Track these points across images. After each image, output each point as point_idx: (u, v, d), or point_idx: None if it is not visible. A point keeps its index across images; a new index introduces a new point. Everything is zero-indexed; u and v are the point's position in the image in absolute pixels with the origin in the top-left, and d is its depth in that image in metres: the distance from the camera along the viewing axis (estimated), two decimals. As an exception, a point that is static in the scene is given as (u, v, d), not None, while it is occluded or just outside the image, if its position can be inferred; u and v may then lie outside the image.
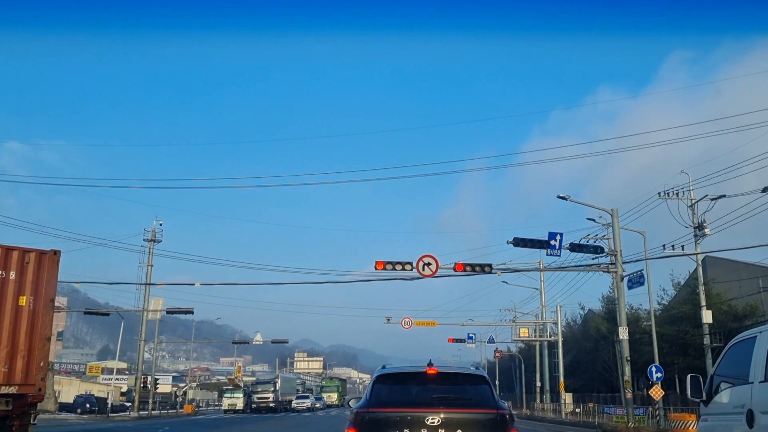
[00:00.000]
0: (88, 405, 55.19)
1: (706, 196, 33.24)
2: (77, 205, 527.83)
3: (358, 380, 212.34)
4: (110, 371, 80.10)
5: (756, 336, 7.53)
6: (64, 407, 52.75)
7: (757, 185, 29.73)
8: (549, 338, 55.40)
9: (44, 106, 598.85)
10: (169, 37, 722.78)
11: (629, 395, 29.76)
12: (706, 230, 33.49)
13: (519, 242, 28.75)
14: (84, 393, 62.01)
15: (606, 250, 30.64)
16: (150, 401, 59.37)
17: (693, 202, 34.53)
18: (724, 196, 32.34)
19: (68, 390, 65.40)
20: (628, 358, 29.59)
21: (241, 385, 68.46)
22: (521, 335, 56.30)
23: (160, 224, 50.62)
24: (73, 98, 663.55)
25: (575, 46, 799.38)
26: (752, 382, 7.18)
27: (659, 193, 35.22)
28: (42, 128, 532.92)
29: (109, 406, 59.69)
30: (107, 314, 56.84)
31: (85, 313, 62.42)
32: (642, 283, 30.90)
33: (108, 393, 67.84)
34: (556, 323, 53.27)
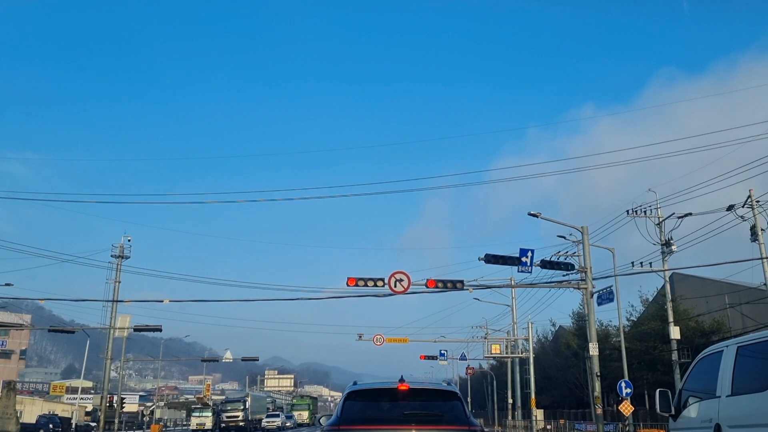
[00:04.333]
0: (51, 425, 53.66)
1: (673, 214, 33.88)
2: (44, 219, 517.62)
3: (329, 398, 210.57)
4: (75, 390, 78.27)
5: (722, 351, 7.63)
6: (26, 428, 51.14)
7: (722, 203, 30.46)
8: (520, 355, 55.57)
9: (13, 118, 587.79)
10: (140, 50, 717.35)
11: (599, 411, 29.90)
12: (673, 247, 34.11)
13: (491, 259, 28.77)
14: (47, 413, 60.27)
15: (576, 266, 30.91)
16: (116, 421, 57.99)
17: (660, 219, 35.14)
18: (690, 214, 33.00)
19: (31, 410, 63.52)
20: (599, 374, 29.78)
21: (210, 403, 67.30)
22: (493, 352, 56.36)
23: (129, 240, 49.61)
24: (43, 111, 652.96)
25: (557, 64, 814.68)
26: (719, 396, 7.27)
27: (627, 211, 35.79)
28: (11, 140, 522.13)
29: (74, 426, 58.20)
30: (72, 332, 55.54)
31: (50, 330, 60.82)
32: (611, 300, 31.23)
33: (72, 413, 66.17)
34: (527, 340, 53.48)
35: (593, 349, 29.91)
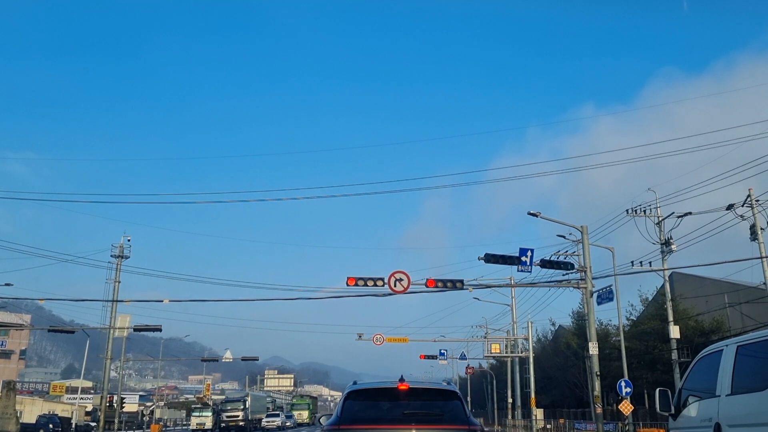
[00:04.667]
0: (51, 425, 53.65)
1: (673, 213, 33.89)
2: (44, 219, 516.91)
3: (329, 398, 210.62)
4: (75, 390, 78.29)
5: (722, 350, 7.63)
6: (26, 428, 51.16)
7: (722, 203, 30.47)
8: (520, 354, 55.56)
9: (13, 118, 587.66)
10: (140, 50, 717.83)
11: (599, 410, 29.92)
12: (672, 246, 34.11)
13: (490, 258, 28.78)
14: (47, 413, 60.24)
15: (576, 266, 30.92)
16: (116, 421, 58.05)
17: (660, 219, 35.14)
18: (690, 213, 33.00)
19: (31, 410, 63.48)
20: (598, 374, 29.80)
21: (210, 403, 67.30)
22: (493, 351, 56.36)
23: (128, 240, 49.59)
24: (43, 111, 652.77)
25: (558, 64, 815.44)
26: (719, 396, 7.27)
27: (627, 211, 35.81)
28: (11, 140, 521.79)
29: (74, 426, 58.18)
30: (72, 332, 55.54)
31: (49, 330, 60.91)
32: (611, 299, 31.25)
33: (72, 413, 66.16)
34: (527, 339, 53.48)
35: (593, 349, 29.92)
